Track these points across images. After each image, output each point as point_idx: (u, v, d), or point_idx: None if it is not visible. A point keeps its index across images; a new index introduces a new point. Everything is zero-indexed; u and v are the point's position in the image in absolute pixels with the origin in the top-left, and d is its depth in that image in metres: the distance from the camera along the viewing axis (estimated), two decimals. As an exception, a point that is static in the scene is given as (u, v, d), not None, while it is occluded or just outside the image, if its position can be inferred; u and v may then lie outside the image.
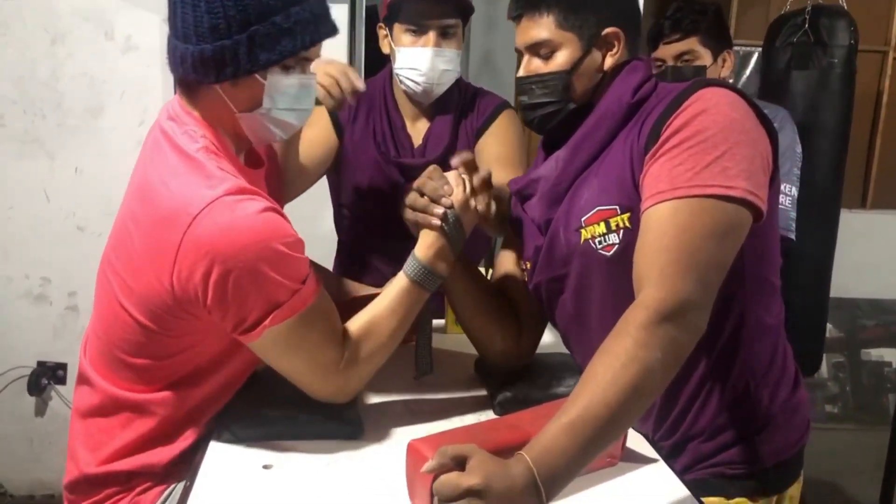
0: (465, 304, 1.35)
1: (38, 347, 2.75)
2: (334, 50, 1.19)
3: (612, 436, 0.98)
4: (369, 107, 1.78)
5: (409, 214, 1.22)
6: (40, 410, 2.82)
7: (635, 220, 1.12)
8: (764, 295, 1.20)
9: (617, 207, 1.15)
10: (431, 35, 1.65)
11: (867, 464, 3.18)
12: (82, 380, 1.28)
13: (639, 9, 1.29)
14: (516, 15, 1.26)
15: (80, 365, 1.29)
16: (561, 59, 1.22)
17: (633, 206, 1.13)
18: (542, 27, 1.22)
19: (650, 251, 1.05)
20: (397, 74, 1.72)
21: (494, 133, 1.75)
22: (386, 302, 1.21)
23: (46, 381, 2.77)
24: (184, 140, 1.13)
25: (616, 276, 1.15)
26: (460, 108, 1.78)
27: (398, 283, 1.22)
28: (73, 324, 2.74)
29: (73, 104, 2.61)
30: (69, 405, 2.65)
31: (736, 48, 2.09)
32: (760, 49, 2.44)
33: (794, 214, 1.98)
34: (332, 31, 1.17)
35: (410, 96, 1.75)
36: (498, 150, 1.70)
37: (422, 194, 1.21)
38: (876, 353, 3.58)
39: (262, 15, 1.09)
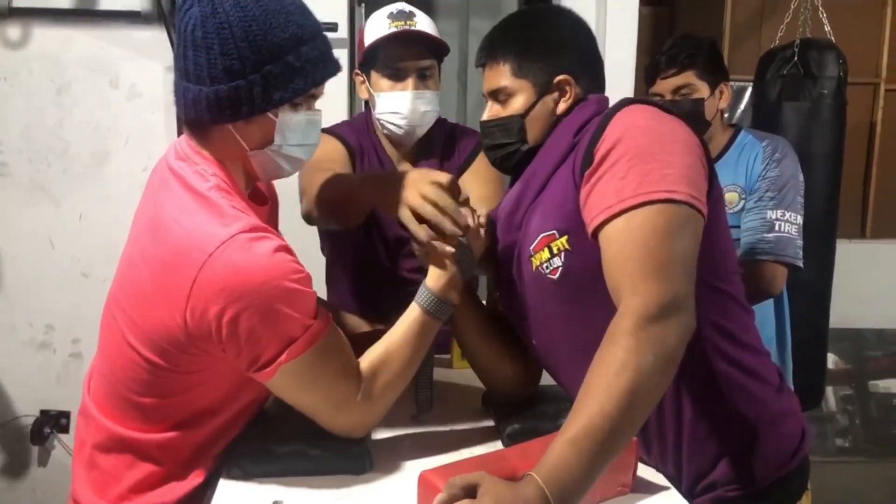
0: (472, 332, 1.36)
1: (42, 395, 2.72)
2: (335, 85, 1.24)
3: (618, 445, 0.98)
4: (360, 156, 1.78)
5: (422, 247, 1.24)
6: (43, 460, 2.78)
7: (574, 242, 1.16)
8: (717, 303, 1.20)
9: (555, 232, 1.19)
10: (410, 79, 1.68)
11: (880, 497, 3.14)
12: (86, 419, 1.27)
13: (595, 52, 1.35)
14: (481, 64, 1.36)
15: (83, 403, 1.28)
16: (516, 104, 1.31)
17: (570, 230, 1.17)
18: (500, 75, 1.31)
19: (616, 264, 1.07)
20: (378, 119, 1.73)
21: (475, 171, 1.76)
22: (399, 333, 1.22)
23: (49, 430, 2.73)
24: (195, 179, 1.15)
25: (568, 298, 1.20)
26: (442, 149, 1.79)
27: (411, 314, 1.23)
28: (76, 371, 2.71)
29: (78, 151, 2.63)
30: (72, 454, 2.63)
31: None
32: (753, 82, 2.50)
33: (800, 242, 1.99)
34: (336, 68, 1.21)
35: (392, 140, 1.76)
36: (479, 190, 1.68)
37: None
38: (884, 385, 3.55)
39: (275, 55, 1.12)
